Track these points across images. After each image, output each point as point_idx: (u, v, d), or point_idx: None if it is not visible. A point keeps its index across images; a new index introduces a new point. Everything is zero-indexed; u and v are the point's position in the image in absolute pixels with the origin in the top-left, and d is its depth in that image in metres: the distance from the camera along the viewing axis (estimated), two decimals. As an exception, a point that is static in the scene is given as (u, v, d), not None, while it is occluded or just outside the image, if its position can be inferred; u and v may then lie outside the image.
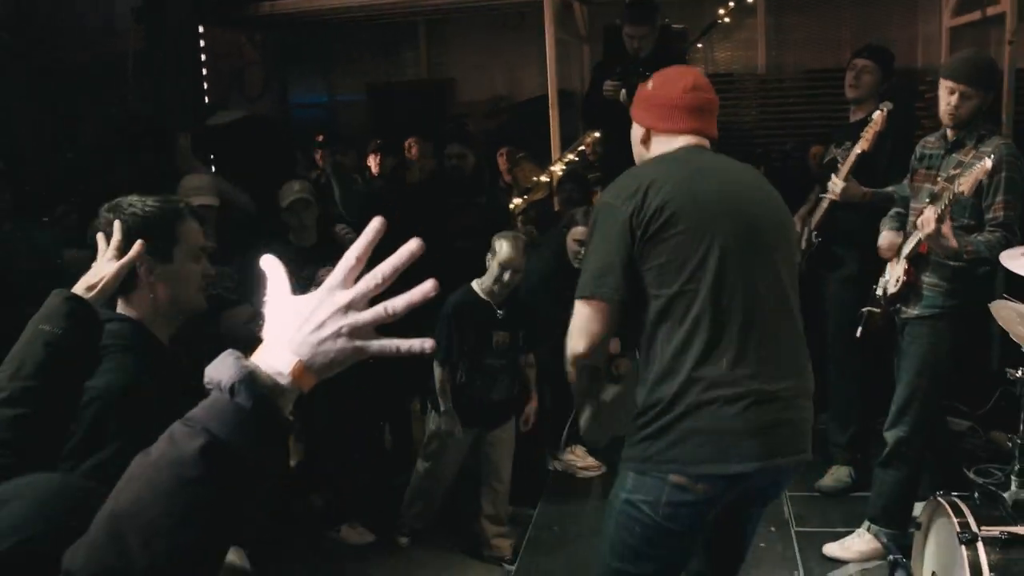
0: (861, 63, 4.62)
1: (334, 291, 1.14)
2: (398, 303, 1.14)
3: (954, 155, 3.73)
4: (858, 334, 4.14)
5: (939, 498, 3.11)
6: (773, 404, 2.39)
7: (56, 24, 6.74)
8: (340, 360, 1.14)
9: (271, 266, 1.20)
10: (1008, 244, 3.45)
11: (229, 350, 1.12)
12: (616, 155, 5.63)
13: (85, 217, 2.66)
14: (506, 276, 4.33)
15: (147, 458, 1.06)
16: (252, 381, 1.08)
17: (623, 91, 5.26)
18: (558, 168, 6.40)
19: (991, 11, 6.52)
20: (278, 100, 9.16)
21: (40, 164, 6.30)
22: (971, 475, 4.56)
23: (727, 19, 7.09)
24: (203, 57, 7.50)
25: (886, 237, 4.04)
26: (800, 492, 4.73)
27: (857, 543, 4.11)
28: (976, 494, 3.39)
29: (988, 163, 3.29)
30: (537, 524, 4.73)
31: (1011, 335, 3.09)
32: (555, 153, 6.64)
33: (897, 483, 3.99)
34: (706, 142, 2.64)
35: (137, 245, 2.06)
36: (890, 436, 3.95)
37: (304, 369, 1.12)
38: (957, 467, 4.45)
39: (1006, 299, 3.12)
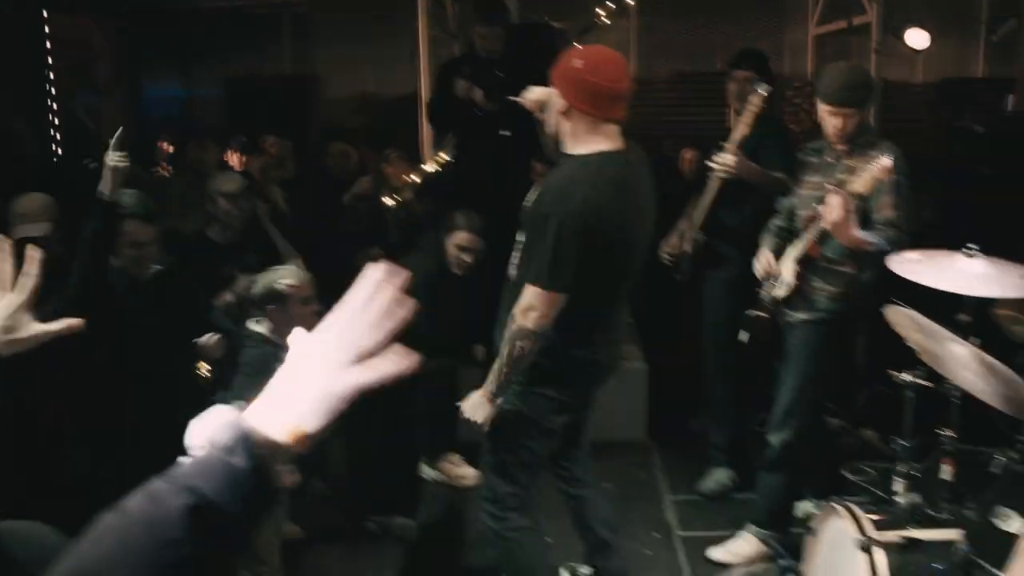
0: (742, 75, 4.46)
1: (328, 343, 1.10)
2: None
3: (844, 161, 3.69)
4: (744, 338, 4.08)
5: (833, 503, 3.08)
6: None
7: None
8: (330, 416, 1.08)
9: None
10: (903, 244, 3.42)
11: (220, 405, 1.06)
12: (473, 163, 5.50)
13: None
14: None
15: (119, 516, 0.95)
16: (250, 441, 1.00)
17: (480, 93, 5.17)
18: (431, 168, 6.22)
19: (857, 20, 6.70)
20: (131, 94, 8.66)
21: None
22: (847, 474, 4.59)
23: (607, 21, 7.05)
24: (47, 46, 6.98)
25: (763, 257, 3.94)
26: (682, 496, 4.69)
27: (741, 546, 4.09)
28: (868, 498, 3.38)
29: (887, 161, 3.26)
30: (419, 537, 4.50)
31: (907, 341, 3.06)
32: (426, 152, 6.46)
33: (781, 486, 3.99)
34: (620, 137, 2.95)
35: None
36: (775, 439, 3.92)
37: (301, 433, 1.05)
38: (834, 466, 4.46)
39: (897, 305, 3.09)
